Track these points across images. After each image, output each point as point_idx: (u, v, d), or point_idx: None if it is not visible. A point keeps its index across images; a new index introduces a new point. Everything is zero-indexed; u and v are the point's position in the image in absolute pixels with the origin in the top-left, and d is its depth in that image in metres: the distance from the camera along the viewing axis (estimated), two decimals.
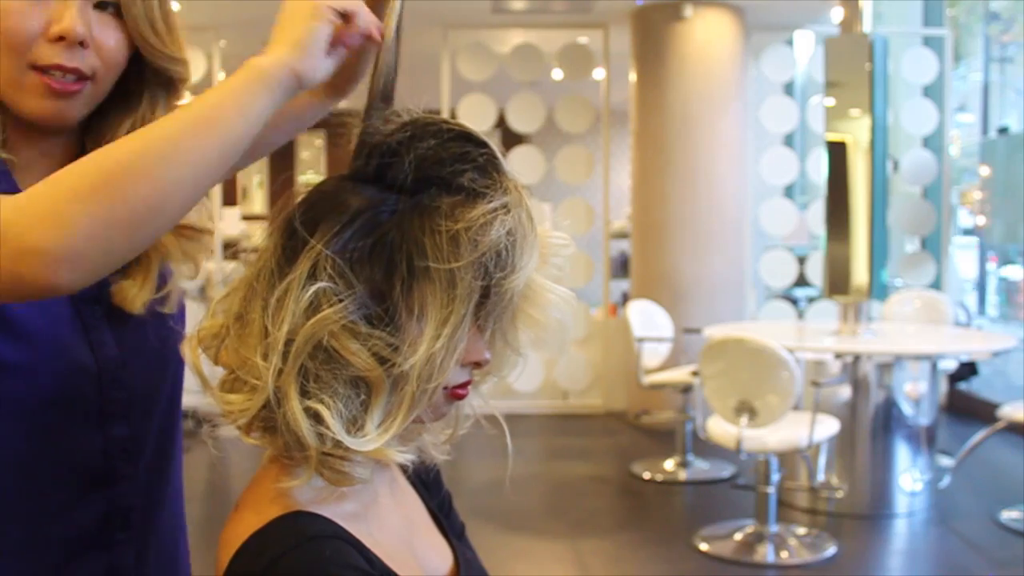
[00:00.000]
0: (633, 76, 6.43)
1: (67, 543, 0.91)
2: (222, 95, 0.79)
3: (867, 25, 4.77)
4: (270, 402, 0.73)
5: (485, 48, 6.77)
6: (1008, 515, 4.25)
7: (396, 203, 0.76)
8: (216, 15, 6.16)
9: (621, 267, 7.97)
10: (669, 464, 5.16)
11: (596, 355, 6.71)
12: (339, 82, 1.00)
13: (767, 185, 6.76)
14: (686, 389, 5.05)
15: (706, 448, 4.88)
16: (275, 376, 0.73)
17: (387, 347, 0.74)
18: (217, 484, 4.73)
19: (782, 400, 3.63)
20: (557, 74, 7.08)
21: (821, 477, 4.36)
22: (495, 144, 0.79)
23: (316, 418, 0.72)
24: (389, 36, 0.84)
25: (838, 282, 4.68)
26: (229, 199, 9.51)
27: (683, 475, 5.06)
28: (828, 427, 3.94)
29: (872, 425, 4.39)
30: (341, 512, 0.77)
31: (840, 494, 4.35)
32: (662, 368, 5.25)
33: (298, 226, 0.76)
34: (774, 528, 3.95)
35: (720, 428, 3.89)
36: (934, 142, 6.69)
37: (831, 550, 3.87)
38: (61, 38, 0.87)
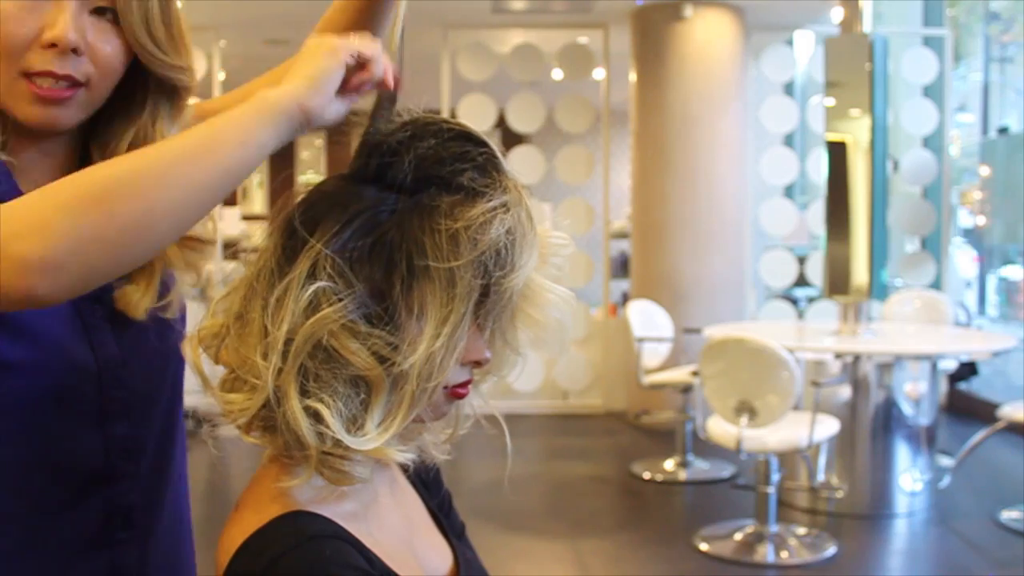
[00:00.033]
0: (633, 76, 6.43)
1: (68, 542, 0.91)
2: (225, 122, 0.78)
3: (867, 25, 4.77)
4: (270, 401, 0.74)
5: (485, 48, 6.77)
6: (1008, 515, 4.25)
7: (396, 202, 0.76)
8: (216, 15, 6.16)
9: (621, 267, 7.97)
10: (669, 464, 5.16)
11: (596, 355, 6.71)
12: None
13: (767, 185, 6.76)
14: (686, 389, 5.05)
15: (706, 448, 4.88)
16: (275, 375, 0.73)
17: (387, 346, 0.74)
18: (217, 484, 4.73)
19: (782, 400, 3.63)
20: (557, 74, 7.08)
21: (821, 477, 4.36)
22: (495, 144, 0.80)
23: (316, 417, 0.72)
24: (395, 38, 0.84)
25: (838, 282, 4.68)
26: (229, 199, 9.49)
27: (683, 475, 5.06)
28: (828, 427, 3.94)
29: (872, 425, 4.39)
30: (341, 512, 0.77)
31: (840, 494, 4.35)
32: (662, 368, 5.25)
33: (298, 225, 0.76)
34: (774, 528, 3.95)
35: (720, 428, 3.89)
36: (934, 142, 6.69)
37: (831, 550, 3.87)
38: (53, 45, 0.86)
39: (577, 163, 6.79)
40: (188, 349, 0.80)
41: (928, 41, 6.83)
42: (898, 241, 7.17)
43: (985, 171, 6.80)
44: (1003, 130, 6.79)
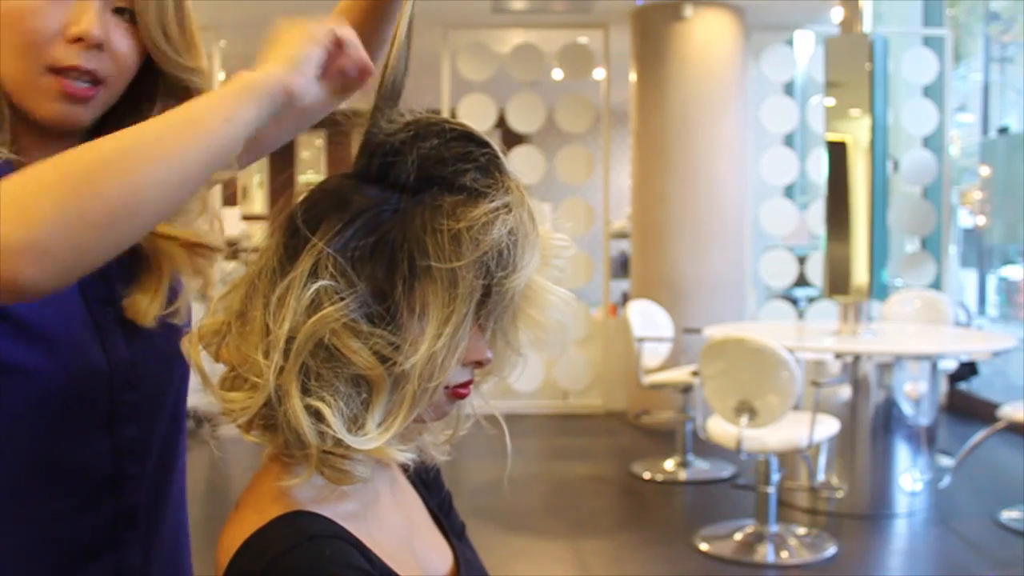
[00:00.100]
0: (633, 76, 6.43)
1: (77, 545, 0.91)
2: (209, 101, 0.78)
3: (867, 25, 4.77)
4: (271, 400, 0.73)
5: (485, 48, 6.77)
6: (1008, 515, 4.25)
7: (398, 202, 0.76)
8: (216, 15, 6.16)
9: (621, 267, 7.97)
10: (669, 464, 5.16)
11: (596, 355, 6.71)
12: (346, 83, 1.00)
13: (767, 185, 6.77)
14: (686, 389, 5.05)
15: (706, 448, 4.88)
16: (276, 374, 0.73)
17: (388, 346, 0.74)
18: (217, 484, 4.73)
19: (782, 400, 3.63)
20: (557, 74, 7.08)
21: (821, 477, 4.36)
22: (496, 144, 0.80)
23: (317, 416, 0.72)
24: (401, 37, 0.84)
25: (838, 282, 4.68)
26: (229, 199, 9.50)
27: (683, 475, 5.06)
28: (828, 427, 3.94)
29: (872, 425, 4.39)
30: (341, 512, 0.77)
31: (840, 494, 4.35)
32: (662, 368, 5.25)
33: (300, 224, 0.76)
34: (774, 528, 3.95)
35: (720, 428, 3.89)
36: (934, 142, 6.69)
37: (831, 550, 3.87)
38: (79, 39, 0.86)
39: (577, 163, 6.80)
40: (188, 347, 0.80)
41: (928, 41, 6.84)
42: (898, 241, 7.17)
43: (985, 171, 6.80)
44: (1003, 130, 6.79)
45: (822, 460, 4.33)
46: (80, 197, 0.69)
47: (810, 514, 4.38)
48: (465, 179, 0.76)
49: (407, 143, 0.77)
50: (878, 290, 4.70)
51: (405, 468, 0.90)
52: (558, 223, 0.88)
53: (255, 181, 10.59)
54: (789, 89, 7.05)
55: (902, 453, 4.42)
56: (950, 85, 6.71)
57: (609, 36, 6.67)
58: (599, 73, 6.90)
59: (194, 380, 0.83)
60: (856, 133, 4.66)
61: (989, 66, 7.38)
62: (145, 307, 0.94)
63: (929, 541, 4.13)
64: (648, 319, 5.36)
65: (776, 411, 3.65)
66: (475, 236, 0.73)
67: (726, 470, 5.05)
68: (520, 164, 6.42)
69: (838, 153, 4.72)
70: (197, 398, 0.84)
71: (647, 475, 5.03)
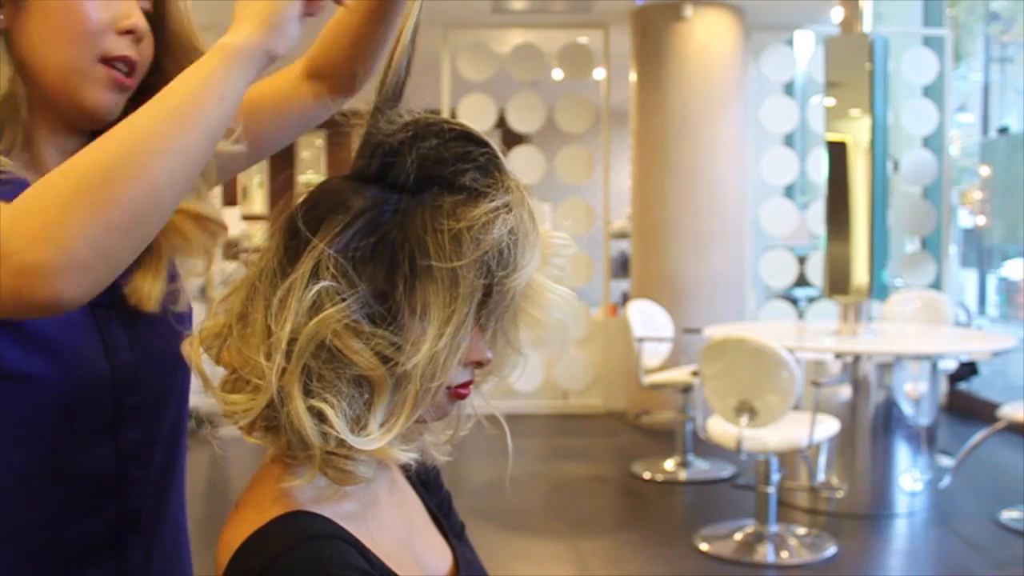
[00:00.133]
0: (633, 76, 6.43)
1: (82, 547, 0.91)
2: (198, 82, 0.79)
3: (867, 25, 4.77)
4: (273, 402, 0.73)
5: (485, 48, 6.77)
6: (1008, 515, 4.25)
7: (398, 202, 0.77)
8: (216, 15, 6.13)
9: (621, 267, 7.97)
10: (669, 464, 5.16)
11: (596, 355, 6.71)
12: (347, 82, 1.00)
13: (767, 185, 6.77)
14: (686, 389, 5.05)
15: (706, 448, 4.88)
16: (278, 375, 0.73)
17: (390, 346, 0.74)
18: (217, 484, 4.73)
19: (782, 400, 3.63)
20: (557, 74, 7.08)
21: (821, 477, 4.36)
22: (495, 144, 0.80)
23: (320, 417, 0.72)
24: (405, 39, 0.84)
25: (838, 282, 4.68)
26: (229, 199, 9.50)
27: (683, 475, 5.06)
28: (828, 427, 3.94)
29: (872, 425, 4.39)
30: (341, 512, 0.77)
31: (840, 494, 4.35)
32: (662, 368, 5.25)
33: (301, 225, 0.76)
34: (774, 528, 3.95)
35: (720, 428, 3.89)
36: (934, 142, 6.69)
37: (831, 550, 3.87)
38: (130, 31, 0.90)
39: (577, 163, 6.80)
40: (189, 349, 0.80)
41: (928, 41, 6.84)
42: (898, 241, 7.17)
43: (985, 171, 6.80)
44: (1003, 130, 6.79)
45: (822, 460, 4.33)
46: (102, 208, 0.71)
47: (810, 514, 4.38)
48: (465, 179, 0.76)
49: (406, 143, 0.77)
50: (878, 290, 4.70)
51: (406, 469, 0.89)
52: (558, 223, 0.88)
53: (255, 181, 10.59)
54: (789, 89, 7.05)
55: (902, 453, 4.42)
56: (950, 85, 6.71)
57: (609, 36, 6.67)
58: (599, 73, 6.90)
59: (195, 382, 0.83)
60: (856, 133, 4.66)
61: (989, 66, 7.38)
62: (147, 289, 0.94)
63: (929, 541, 4.13)
64: (648, 319, 5.36)
65: (776, 411, 3.65)
66: (476, 236, 0.74)
67: (726, 470, 5.05)
68: (520, 164, 6.42)
69: (838, 153, 4.72)
70: (197, 399, 0.84)
71: (647, 475, 5.04)
